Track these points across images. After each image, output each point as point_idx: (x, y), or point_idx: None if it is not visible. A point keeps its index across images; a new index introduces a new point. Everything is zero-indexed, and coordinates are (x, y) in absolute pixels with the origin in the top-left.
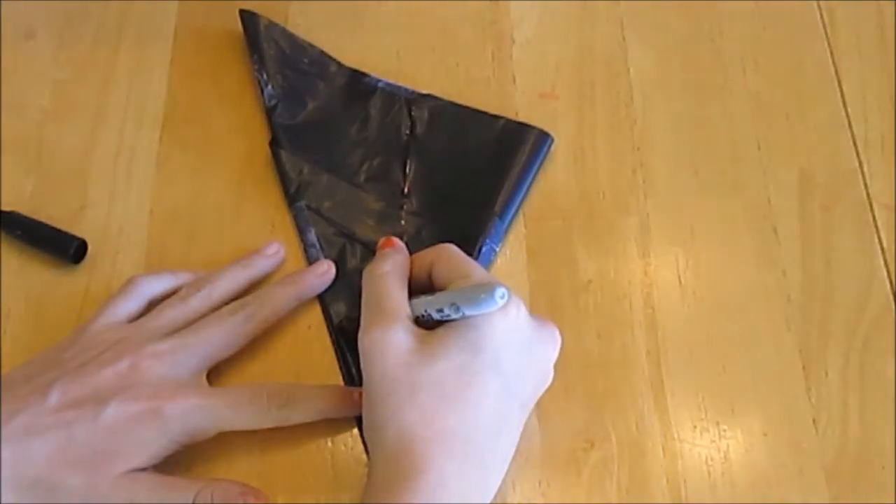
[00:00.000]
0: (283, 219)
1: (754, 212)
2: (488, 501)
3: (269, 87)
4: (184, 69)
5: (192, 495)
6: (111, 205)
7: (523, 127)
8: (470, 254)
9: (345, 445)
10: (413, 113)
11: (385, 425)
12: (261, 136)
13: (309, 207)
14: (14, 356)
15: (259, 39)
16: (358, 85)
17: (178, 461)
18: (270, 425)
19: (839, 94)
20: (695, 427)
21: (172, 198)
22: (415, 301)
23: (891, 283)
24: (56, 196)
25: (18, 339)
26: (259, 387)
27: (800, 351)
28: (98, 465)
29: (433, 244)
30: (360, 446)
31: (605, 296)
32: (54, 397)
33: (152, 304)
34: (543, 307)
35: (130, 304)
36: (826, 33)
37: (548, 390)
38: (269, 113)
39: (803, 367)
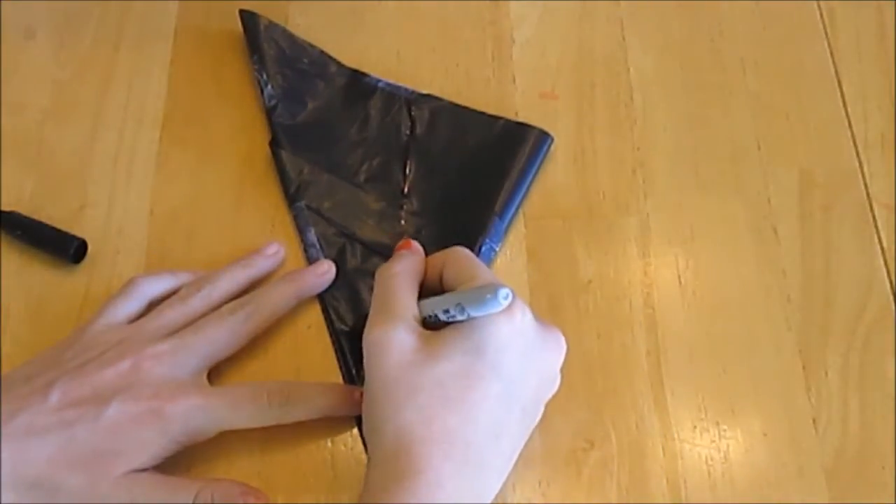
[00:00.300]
0: (283, 219)
1: (754, 212)
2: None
3: (269, 87)
4: (184, 69)
5: (192, 495)
6: (111, 205)
7: (523, 127)
8: None
9: (345, 445)
10: (413, 113)
11: (384, 424)
12: (261, 136)
13: (309, 207)
14: (14, 356)
15: (259, 39)
16: (358, 85)
17: (178, 461)
18: (271, 423)
19: (839, 94)
20: (695, 427)
21: (172, 198)
22: (423, 302)
23: (891, 283)
24: (56, 196)
25: (18, 339)
26: (259, 385)
27: (800, 351)
28: (98, 466)
29: (433, 244)
30: (360, 446)
31: (605, 296)
32: (55, 397)
33: (152, 305)
34: (543, 307)
35: (130, 304)
36: (826, 33)
37: None
38: (269, 113)
39: (803, 367)
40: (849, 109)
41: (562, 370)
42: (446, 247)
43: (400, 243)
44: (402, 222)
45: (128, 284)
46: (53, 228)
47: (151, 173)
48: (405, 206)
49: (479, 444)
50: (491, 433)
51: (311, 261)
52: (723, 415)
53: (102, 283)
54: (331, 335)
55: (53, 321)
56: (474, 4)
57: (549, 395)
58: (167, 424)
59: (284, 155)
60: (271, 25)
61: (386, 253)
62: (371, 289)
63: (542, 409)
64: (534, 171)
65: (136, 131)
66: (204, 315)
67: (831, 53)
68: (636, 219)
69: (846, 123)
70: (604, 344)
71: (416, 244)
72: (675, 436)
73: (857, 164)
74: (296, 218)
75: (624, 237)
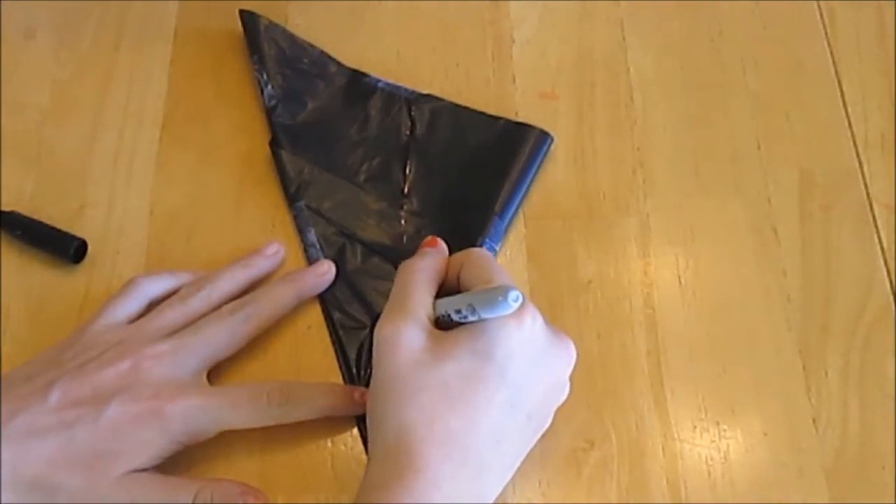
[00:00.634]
0: (283, 219)
1: (754, 212)
2: None
3: (269, 87)
4: (184, 69)
5: (192, 495)
6: (111, 205)
7: (523, 127)
8: None
9: (345, 445)
10: (413, 113)
11: (387, 420)
12: (261, 136)
13: (309, 207)
14: (14, 356)
15: (259, 39)
16: (358, 85)
17: (178, 461)
18: (271, 423)
19: (839, 94)
20: (695, 427)
21: (172, 198)
22: (438, 301)
23: (891, 283)
24: (56, 196)
25: (18, 339)
26: (259, 385)
27: (800, 351)
28: (98, 466)
29: None
30: (360, 446)
31: (605, 296)
32: (55, 397)
33: (152, 305)
34: (543, 307)
35: (130, 304)
36: (826, 33)
37: None
38: (269, 113)
39: (803, 367)
40: (849, 109)
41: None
42: (447, 247)
43: (425, 240)
44: (402, 222)
45: (128, 284)
46: (53, 228)
47: (151, 173)
48: (405, 206)
49: (480, 448)
50: (492, 438)
51: (311, 261)
52: (723, 415)
53: (102, 283)
54: (331, 335)
55: (53, 321)
56: (474, 4)
57: (558, 403)
58: (167, 424)
59: (284, 155)
60: (271, 25)
61: (386, 253)
62: (372, 289)
63: (550, 416)
64: (534, 171)
65: (136, 131)
66: (204, 315)
67: (831, 53)
68: (636, 219)
69: (846, 123)
70: (604, 344)
71: (441, 243)
72: (675, 436)
73: (857, 164)
74: (296, 218)
75: (624, 237)
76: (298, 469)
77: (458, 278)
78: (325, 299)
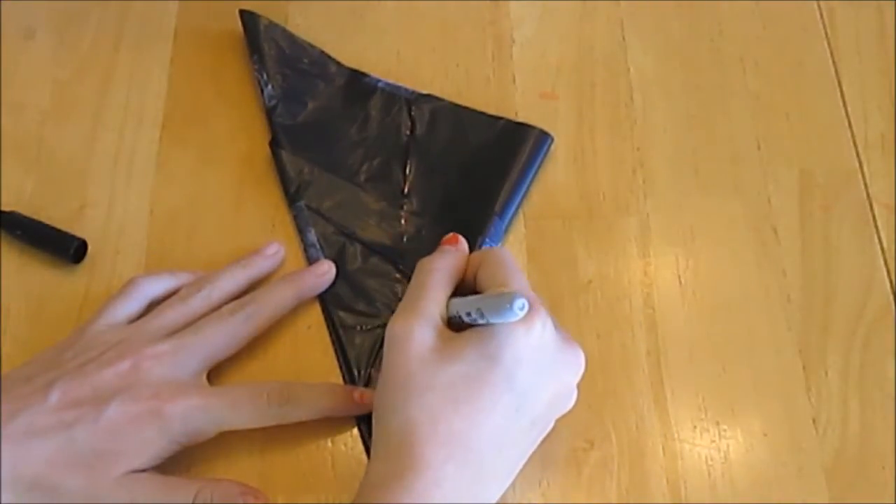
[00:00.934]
0: (283, 219)
1: (754, 212)
2: None
3: (269, 87)
4: (184, 69)
5: (192, 495)
6: (111, 205)
7: (523, 127)
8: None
9: (345, 445)
10: (413, 113)
11: (392, 417)
12: (261, 136)
13: (309, 207)
14: (14, 356)
15: (259, 39)
16: (358, 85)
17: (178, 461)
18: (271, 423)
19: (839, 94)
20: (695, 427)
21: (172, 198)
22: (452, 301)
23: (891, 283)
24: (56, 196)
25: (18, 339)
26: (259, 385)
27: (800, 351)
28: (98, 466)
29: (433, 244)
30: (360, 446)
31: (605, 296)
32: (54, 397)
33: (152, 305)
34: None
35: (130, 304)
36: (826, 33)
37: None
38: (269, 113)
39: (803, 367)
40: (849, 109)
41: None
42: None
43: (446, 238)
44: (402, 222)
45: (128, 284)
46: (53, 228)
47: (151, 173)
48: (405, 206)
49: (482, 451)
50: (495, 441)
51: (311, 261)
52: (723, 415)
53: (102, 283)
54: (331, 335)
55: (53, 321)
56: (474, 4)
57: (564, 411)
58: (167, 425)
59: (284, 155)
60: (271, 25)
61: (386, 253)
62: (372, 288)
63: (553, 422)
64: (534, 171)
65: (136, 131)
66: (204, 315)
67: (831, 53)
68: (636, 219)
69: (846, 123)
70: (604, 344)
71: (462, 241)
72: (675, 436)
73: (857, 164)
74: (296, 218)
75: (624, 237)
76: (298, 469)
77: (475, 278)
78: (325, 299)
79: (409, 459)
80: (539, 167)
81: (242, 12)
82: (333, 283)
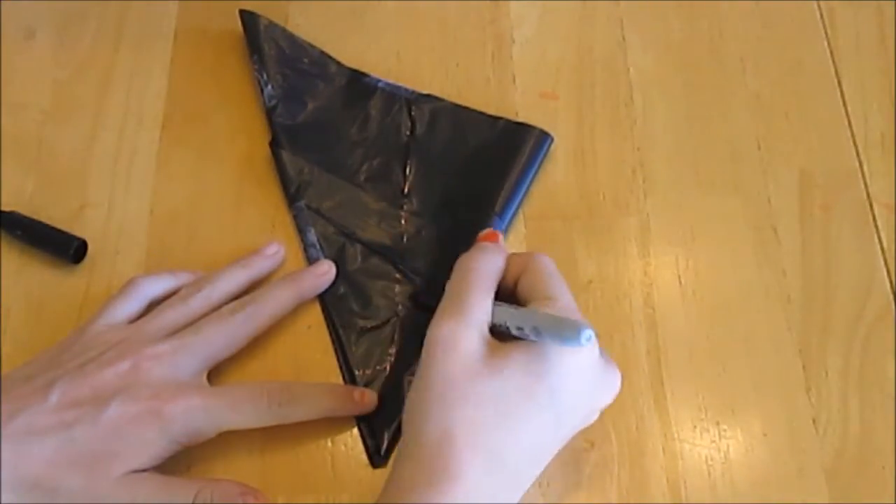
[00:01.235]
0: (283, 219)
1: (754, 212)
2: None
3: (269, 87)
4: (184, 69)
5: (192, 495)
6: (111, 205)
7: (523, 127)
8: None
9: (345, 445)
10: (413, 113)
11: (428, 422)
12: (261, 136)
13: (309, 207)
14: (14, 356)
15: (259, 39)
16: (358, 85)
17: (178, 461)
18: (271, 423)
19: (839, 94)
20: (695, 427)
21: (172, 198)
22: (498, 308)
23: (891, 283)
24: (56, 196)
25: (18, 339)
26: (259, 385)
27: (800, 351)
28: (98, 466)
29: (433, 244)
30: (360, 446)
31: (605, 296)
32: (54, 398)
33: (152, 305)
34: None
35: (130, 304)
36: (826, 33)
37: None
38: (269, 113)
39: (803, 367)
40: (849, 109)
41: None
42: (447, 247)
43: (484, 233)
44: (402, 222)
45: (128, 284)
46: (53, 228)
47: (151, 173)
48: (405, 206)
49: (516, 465)
50: (531, 453)
51: (311, 261)
52: (723, 415)
53: (102, 283)
54: (331, 335)
55: (53, 321)
56: (474, 4)
57: (588, 424)
58: (167, 425)
59: (284, 155)
60: (271, 25)
61: (386, 253)
62: (372, 288)
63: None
64: (534, 171)
65: (136, 131)
66: (204, 315)
67: (831, 53)
68: (636, 219)
69: (846, 123)
70: (604, 344)
71: (501, 238)
72: (675, 436)
73: (857, 164)
74: (296, 218)
75: (624, 237)
76: (298, 469)
77: (517, 282)
78: (325, 299)
79: (444, 467)
80: (539, 167)
81: (242, 12)
82: (333, 283)
